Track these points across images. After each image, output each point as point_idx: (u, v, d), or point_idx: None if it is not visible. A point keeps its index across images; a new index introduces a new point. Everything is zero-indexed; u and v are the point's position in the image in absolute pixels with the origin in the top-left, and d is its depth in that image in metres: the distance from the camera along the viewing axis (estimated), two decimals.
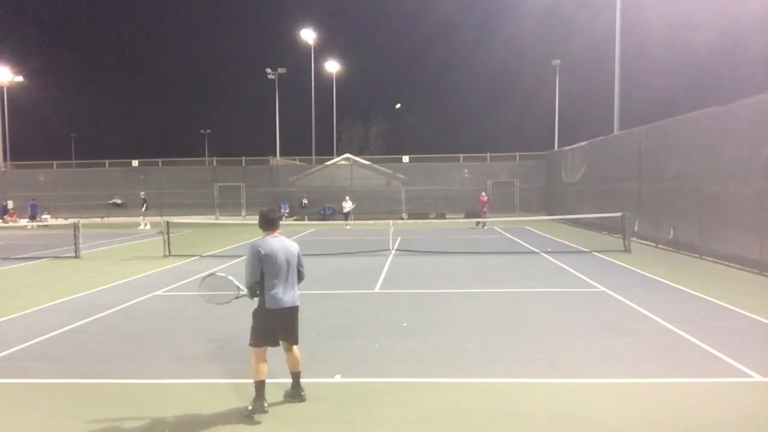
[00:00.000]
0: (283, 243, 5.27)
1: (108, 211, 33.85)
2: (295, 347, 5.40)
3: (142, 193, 30.11)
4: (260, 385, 5.14)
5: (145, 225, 28.14)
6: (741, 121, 12.84)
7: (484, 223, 25.33)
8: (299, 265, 5.39)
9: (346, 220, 27.06)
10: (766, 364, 6.12)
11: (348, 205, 27.59)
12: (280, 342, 5.32)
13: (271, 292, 5.14)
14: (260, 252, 5.12)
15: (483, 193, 27.10)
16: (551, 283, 11.38)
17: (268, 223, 5.35)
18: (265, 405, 5.09)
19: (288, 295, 5.21)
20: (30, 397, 5.74)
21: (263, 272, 5.12)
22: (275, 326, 5.21)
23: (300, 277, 5.42)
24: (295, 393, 5.41)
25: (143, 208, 28.78)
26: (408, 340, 7.36)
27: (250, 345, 5.23)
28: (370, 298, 10.23)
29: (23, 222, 30.60)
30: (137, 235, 23.93)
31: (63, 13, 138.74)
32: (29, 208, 30.82)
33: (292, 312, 5.28)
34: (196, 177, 35.29)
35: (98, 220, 33.05)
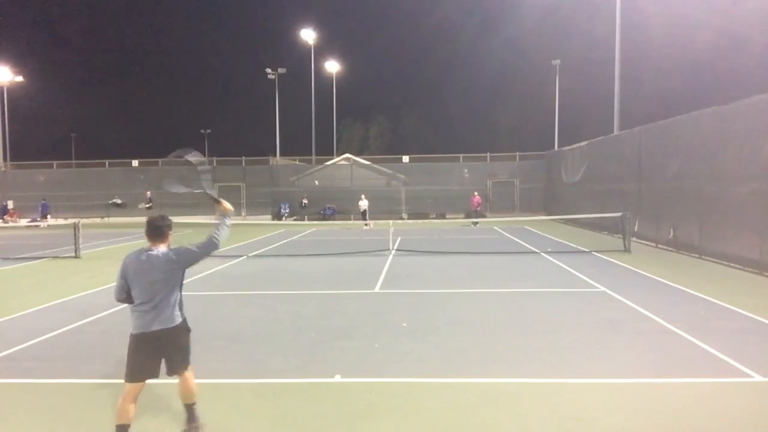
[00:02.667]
0: (146, 258, 4.45)
1: (108, 211, 33.85)
2: (184, 374, 4.64)
3: (149, 192, 30.21)
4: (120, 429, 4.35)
5: None
6: (741, 121, 12.83)
7: (476, 222, 26.02)
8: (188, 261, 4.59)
9: (364, 219, 26.93)
10: (766, 364, 6.12)
11: (363, 204, 27.47)
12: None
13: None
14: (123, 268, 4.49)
15: (475, 193, 27.39)
16: (551, 283, 11.38)
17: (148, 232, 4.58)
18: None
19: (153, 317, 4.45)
20: (30, 397, 5.74)
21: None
22: (144, 355, 4.48)
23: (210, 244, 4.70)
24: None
25: (146, 207, 28.99)
26: (408, 340, 7.36)
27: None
28: (370, 298, 10.23)
29: (26, 221, 30.69)
30: (137, 235, 23.89)
31: (63, 13, 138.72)
32: (40, 208, 30.91)
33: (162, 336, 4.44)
34: (196, 177, 35.22)
35: (98, 220, 33.04)
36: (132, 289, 4.48)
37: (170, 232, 4.70)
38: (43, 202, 31.25)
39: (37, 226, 29.14)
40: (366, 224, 26.19)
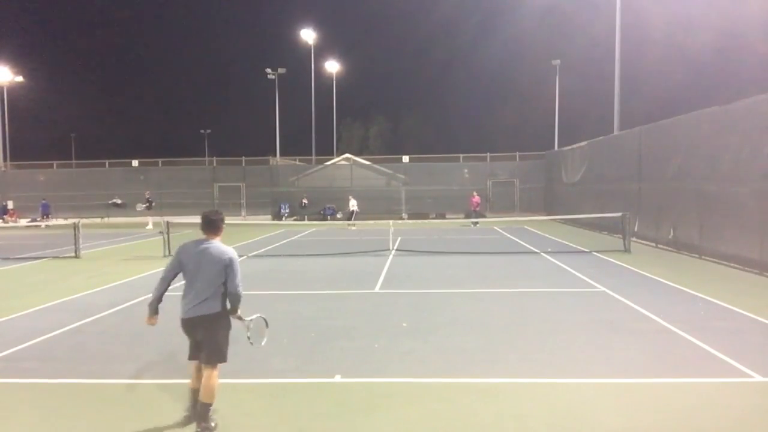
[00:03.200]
0: (204, 247, 4.84)
1: (108, 211, 33.84)
2: (209, 368, 4.73)
3: (148, 192, 30.24)
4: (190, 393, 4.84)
5: (150, 225, 28.39)
6: (741, 121, 12.83)
7: (476, 222, 26.07)
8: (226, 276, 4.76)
9: (350, 219, 26.91)
10: (766, 364, 6.12)
11: (352, 204, 27.44)
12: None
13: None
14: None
15: (474, 193, 27.42)
16: (551, 283, 11.38)
17: (203, 226, 4.97)
18: (189, 415, 4.82)
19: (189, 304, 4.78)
20: (30, 397, 5.74)
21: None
22: (189, 335, 4.89)
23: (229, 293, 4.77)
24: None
25: (145, 207, 29.02)
26: (408, 340, 7.36)
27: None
28: (370, 298, 10.23)
29: (26, 221, 30.70)
30: (137, 235, 23.93)
31: (63, 13, 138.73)
32: (41, 208, 30.93)
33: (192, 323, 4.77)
34: (196, 177, 35.28)
35: (98, 220, 33.04)
36: (184, 272, 4.84)
37: (223, 226, 5.07)
38: (44, 202, 31.26)
39: (37, 226, 29.16)
40: (352, 225, 26.09)
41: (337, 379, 5.98)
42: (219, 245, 4.86)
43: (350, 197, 27.89)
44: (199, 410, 4.70)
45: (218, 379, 4.77)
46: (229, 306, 4.81)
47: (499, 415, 5.04)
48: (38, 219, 30.24)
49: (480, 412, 5.11)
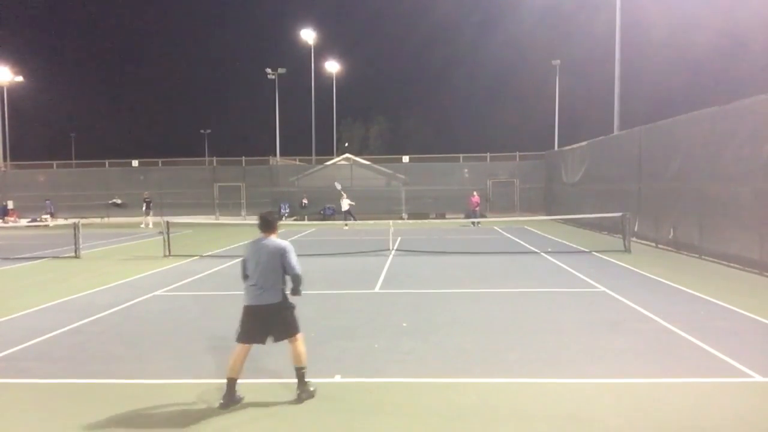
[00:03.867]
0: (262, 243, 5.52)
1: (108, 211, 33.84)
2: (294, 342, 5.50)
3: (146, 193, 30.32)
4: (227, 384, 5.32)
5: (148, 224, 28.52)
6: (741, 121, 12.83)
7: (477, 222, 26.03)
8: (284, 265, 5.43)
9: (345, 219, 26.97)
10: (766, 364, 6.12)
11: (345, 204, 27.47)
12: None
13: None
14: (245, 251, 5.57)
15: (475, 192, 27.41)
16: (551, 283, 11.38)
17: (260, 225, 5.67)
18: (223, 402, 5.23)
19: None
20: (30, 397, 5.75)
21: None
22: (251, 323, 5.43)
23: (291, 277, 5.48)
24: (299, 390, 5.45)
25: (144, 208, 29.15)
26: (408, 340, 7.36)
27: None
28: (370, 298, 10.23)
29: (26, 221, 30.73)
30: (137, 235, 23.93)
31: (63, 13, 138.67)
32: (48, 207, 30.98)
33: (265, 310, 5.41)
34: (196, 177, 35.27)
35: (98, 220, 33.04)
36: (248, 268, 5.49)
37: (277, 225, 5.71)
38: (48, 201, 31.37)
39: (38, 226, 29.18)
40: (345, 225, 26.17)
41: (337, 379, 5.99)
42: (275, 240, 5.53)
43: (344, 195, 27.88)
44: (297, 375, 5.45)
45: (303, 344, 5.52)
46: (290, 289, 5.49)
47: (499, 415, 5.04)
48: (43, 218, 30.26)
49: (480, 412, 5.11)
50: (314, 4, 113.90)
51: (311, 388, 5.46)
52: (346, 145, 78.36)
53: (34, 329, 8.17)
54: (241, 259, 5.67)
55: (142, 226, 28.66)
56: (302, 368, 5.44)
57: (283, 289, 5.47)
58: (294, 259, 5.43)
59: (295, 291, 5.54)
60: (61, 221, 27.39)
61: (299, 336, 5.51)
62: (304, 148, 56.47)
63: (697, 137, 14.80)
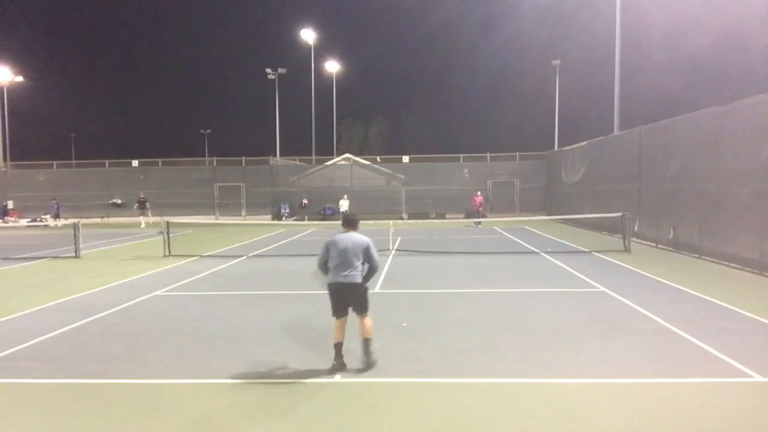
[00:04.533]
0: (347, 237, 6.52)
1: (108, 211, 33.86)
2: (364, 318, 6.45)
3: (142, 193, 30.41)
4: (335, 349, 6.33)
5: (140, 224, 28.79)
6: (741, 121, 12.83)
7: (479, 222, 26.01)
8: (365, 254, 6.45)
9: None
10: (766, 364, 6.12)
11: (344, 204, 27.54)
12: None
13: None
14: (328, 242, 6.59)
15: (478, 193, 27.39)
16: (551, 283, 11.38)
17: (344, 223, 6.80)
18: (335, 365, 6.20)
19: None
20: (30, 397, 5.74)
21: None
22: (337, 298, 6.46)
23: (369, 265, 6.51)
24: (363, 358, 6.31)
25: (136, 207, 29.46)
26: (408, 340, 7.37)
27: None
28: (370, 298, 10.20)
29: (26, 221, 30.75)
30: (137, 235, 23.93)
31: (63, 13, 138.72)
32: (54, 208, 31.00)
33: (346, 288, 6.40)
34: (196, 177, 35.28)
35: (98, 220, 33.05)
36: (330, 257, 6.44)
37: (359, 224, 6.78)
38: (54, 202, 31.42)
39: (36, 226, 29.20)
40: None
41: (337, 379, 5.99)
42: (358, 235, 6.56)
43: (344, 196, 27.92)
44: (363, 345, 6.32)
45: (371, 320, 6.46)
46: (365, 275, 6.48)
47: (499, 415, 5.04)
48: (44, 217, 30.28)
49: (480, 412, 5.11)
50: (314, 4, 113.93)
51: (374, 357, 6.31)
52: (345, 144, 78.26)
53: (34, 329, 8.17)
54: (323, 248, 6.51)
55: (143, 225, 28.81)
56: (371, 339, 6.37)
57: (362, 274, 6.41)
58: (375, 253, 6.49)
59: (367, 279, 6.49)
60: (62, 221, 27.43)
61: (369, 314, 6.47)
62: (304, 148, 56.46)
63: (697, 137, 14.80)
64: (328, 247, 6.48)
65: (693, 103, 28.81)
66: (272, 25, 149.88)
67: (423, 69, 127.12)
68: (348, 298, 6.40)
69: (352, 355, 6.36)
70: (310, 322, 8.41)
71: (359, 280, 6.38)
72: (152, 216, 29.23)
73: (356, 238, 6.48)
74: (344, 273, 6.31)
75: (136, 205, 30.27)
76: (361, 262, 6.39)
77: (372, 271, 6.53)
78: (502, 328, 7.93)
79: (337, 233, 6.54)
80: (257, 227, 26.32)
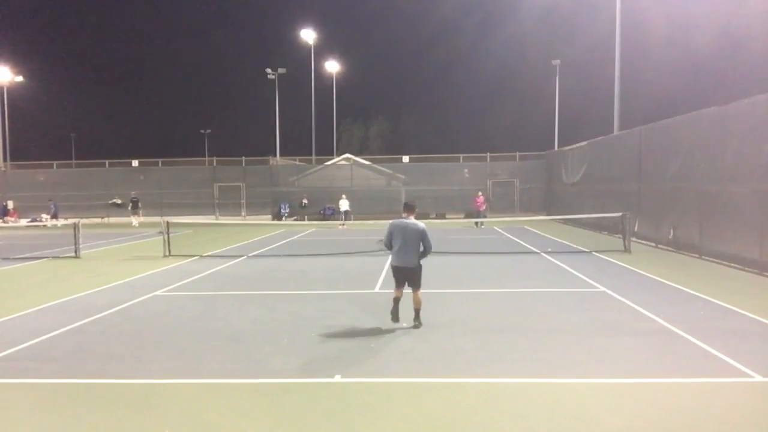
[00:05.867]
0: (407, 223, 7.86)
1: (108, 211, 33.85)
2: (416, 292, 7.98)
3: (133, 192, 30.58)
4: (394, 301, 8.02)
5: (136, 223, 28.92)
6: (741, 121, 12.83)
7: (480, 223, 25.93)
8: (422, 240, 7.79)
9: (344, 219, 26.98)
10: (766, 364, 6.12)
11: (344, 204, 27.50)
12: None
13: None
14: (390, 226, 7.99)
15: (480, 193, 27.34)
16: (551, 283, 11.38)
17: (404, 208, 8.16)
18: (394, 319, 7.96)
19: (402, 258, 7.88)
20: (30, 397, 5.75)
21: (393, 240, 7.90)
22: (397, 276, 7.99)
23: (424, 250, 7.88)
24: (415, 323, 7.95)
25: (130, 207, 29.62)
26: (408, 340, 7.37)
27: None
28: (370, 298, 10.23)
29: (26, 221, 30.78)
30: (137, 235, 23.93)
31: (63, 13, 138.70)
32: (53, 208, 31.03)
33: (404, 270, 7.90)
34: (196, 177, 35.27)
35: (98, 220, 33.05)
36: (394, 240, 7.84)
37: (416, 209, 8.15)
38: (51, 202, 31.45)
39: (36, 226, 29.20)
40: (342, 224, 26.24)
41: (337, 379, 5.98)
42: (415, 222, 7.86)
43: (343, 196, 27.96)
44: (415, 313, 8.00)
45: (421, 295, 8.03)
46: (421, 257, 7.90)
47: (499, 415, 5.04)
48: (44, 217, 30.30)
49: (480, 412, 5.11)
50: (314, 4, 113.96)
51: (421, 321, 7.93)
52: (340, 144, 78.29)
53: (34, 329, 8.17)
54: (387, 231, 7.93)
55: (134, 224, 29.05)
56: (419, 308, 7.99)
57: (419, 257, 7.84)
58: (430, 238, 7.80)
59: (422, 257, 7.91)
60: (61, 221, 27.43)
61: (421, 291, 8.02)
62: (304, 148, 56.51)
63: (697, 137, 14.80)
64: (388, 234, 7.87)
65: (693, 103, 28.80)
66: (272, 25, 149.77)
67: (423, 69, 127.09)
68: (405, 278, 7.92)
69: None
70: (310, 322, 8.41)
71: (416, 263, 7.80)
72: (142, 216, 29.43)
73: (413, 225, 7.75)
74: (405, 257, 7.74)
75: (130, 204, 30.41)
76: (418, 246, 7.76)
77: (427, 252, 7.88)
78: (502, 328, 7.93)
79: (397, 221, 7.91)
80: (257, 227, 26.32)
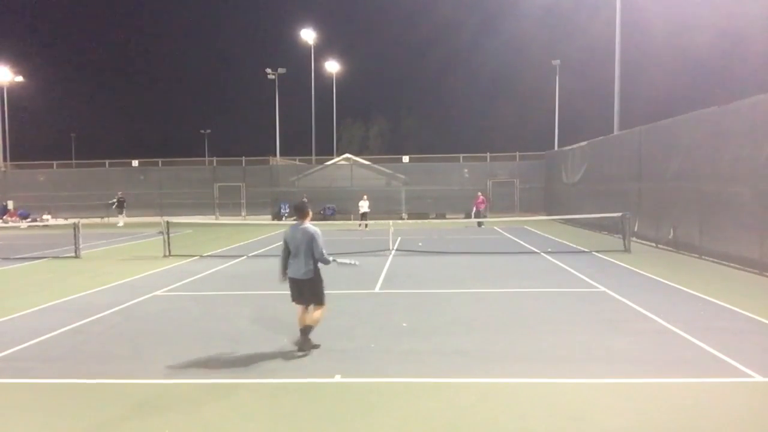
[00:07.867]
0: (296, 229, 6.96)
1: (108, 211, 33.85)
2: (310, 308, 7.02)
3: (119, 192, 30.69)
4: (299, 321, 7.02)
5: (122, 223, 29.11)
6: (741, 121, 12.83)
7: (481, 223, 25.85)
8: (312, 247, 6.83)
9: (362, 220, 26.09)
10: (766, 364, 6.12)
11: (364, 205, 26.48)
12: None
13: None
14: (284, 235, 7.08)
15: (479, 193, 27.30)
16: (551, 283, 11.38)
17: (295, 212, 7.32)
18: (300, 346, 6.86)
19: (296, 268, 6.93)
20: (30, 397, 5.74)
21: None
22: (292, 289, 7.03)
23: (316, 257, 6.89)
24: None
25: (114, 206, 29.86)
26: (408, 340, 7.36)
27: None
28: (370, 298, 10.23)
29: (26, 221, 30.80)
30: (137, 235, 23.92)
31: (63, 13, 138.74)
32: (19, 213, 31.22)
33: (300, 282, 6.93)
34: (196, 177, 35.27)
35: (98, 220, 33.05)
36: (290, 249, 6.95)
37: (309, 212, 7.26)
38: (22, 209, 31.64)
39: (36, 226, 29.22)
40: (360, 224, 25.66)
41: (337, 379, 5.98)
42: (306, 226, 6.95)
43: (364, 197, 26.72)
44: (303, 330, 6.90)
45: (322, 313, 7.07)
46: (318, 267, 6.97)
47: (499, 415, 5.04)
48: (45, 217, 30.34)
49: (480, 412, 5.11)
50: (314, 4, 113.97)
51: (313, 343, 6.90)
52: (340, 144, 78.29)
53: (34, 329, 8.17)
54: (283, 241, 7.09)
55: (120, 224, 29.21)
56: (312, 327, 6.94)
57: (317, 267, 7.01)
58: (321, 245, 6.91)
59: (322, 264, 7.05)
60: (54, 222, 27.48)
61: (325, 307, 7.10)
62: (304, 148, 56.48)
63: (697, 137, 14.80)
64: (284, 245, 7.05)
65: (693, 103, 28.81)
66: (272, 25, 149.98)
67: (423, 69, 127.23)
68: (303, 291, 7.07)
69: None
70: None
71: (312, 275, 6.96)
72: (151, 216, 29.44)
73: (300, 230, 6.91)
74: (301, 270, 6.90)
75: (116, 204, 30.59)
76: (312, 254, 6.90)
77: (320, 262, 6.99)
78: (502, 328, 7.93)
79: (290, 227, 7.13)
80: (257, 227, 26.31)
